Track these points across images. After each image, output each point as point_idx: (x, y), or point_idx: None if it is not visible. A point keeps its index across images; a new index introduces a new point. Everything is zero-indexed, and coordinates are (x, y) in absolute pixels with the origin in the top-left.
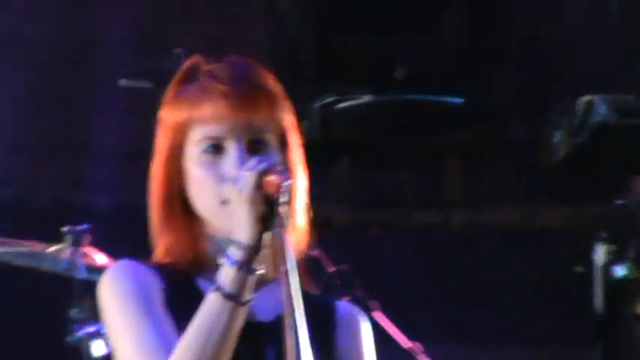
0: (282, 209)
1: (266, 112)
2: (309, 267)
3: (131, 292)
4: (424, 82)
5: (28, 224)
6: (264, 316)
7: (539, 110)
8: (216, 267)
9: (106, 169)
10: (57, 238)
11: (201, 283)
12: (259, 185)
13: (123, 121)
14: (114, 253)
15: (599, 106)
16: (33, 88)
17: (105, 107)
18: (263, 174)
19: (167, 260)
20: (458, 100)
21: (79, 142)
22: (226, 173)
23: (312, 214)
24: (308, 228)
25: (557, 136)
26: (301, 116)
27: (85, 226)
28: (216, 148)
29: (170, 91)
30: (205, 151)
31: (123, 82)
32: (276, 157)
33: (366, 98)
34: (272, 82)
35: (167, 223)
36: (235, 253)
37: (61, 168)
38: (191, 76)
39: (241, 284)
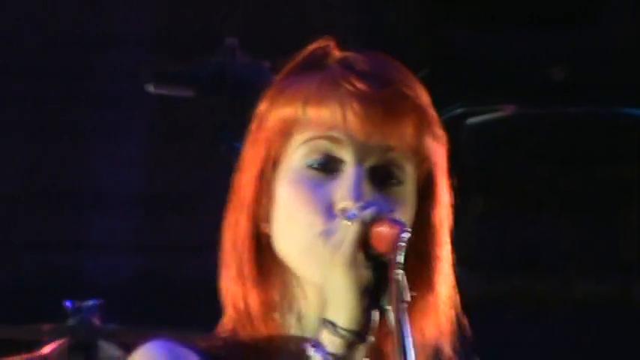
0: (398, 275)
1: (412, 133)
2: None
3: None
4: (593, 88)
5: (14, 302)
6: None
7: None
8: (295, 356)
9: (121, 222)
10: (53, 319)
11: None
12: (365, 240)
13: (143, 150)
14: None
15: None
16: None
17: (118, 131)
18: (370, 224)
19: (228, 338)
20: None
21: (80, 187)
22: (332, 202)
23: (453, 285)
24: (448, 304)
25: None
26: None
27: (94, 302)
28: (326, 163)
29: (279, 79)
30: (311, 165)
31: (150, 87)
32: (404, 201)
33: (509, 110)
34: (426, 98)
35: (242, 272)
36: (330, 340)
37: (57, 222)
38: (316, 63)
39: None
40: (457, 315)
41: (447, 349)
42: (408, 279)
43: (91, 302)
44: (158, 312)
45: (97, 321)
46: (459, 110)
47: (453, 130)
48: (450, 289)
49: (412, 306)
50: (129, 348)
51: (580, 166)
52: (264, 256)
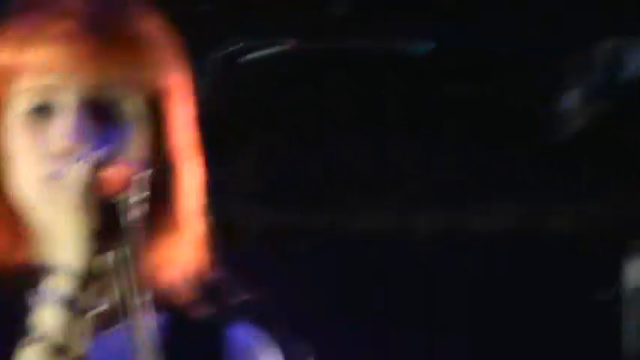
0: (130, 217)
1: (128, 63)
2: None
3: None
4: (372, 22)
5: None
6: None
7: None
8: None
9: None
10: None
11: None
12: (93, 184)
13: None
14: None
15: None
16: None
17: None
18: (99, 165)
19: None
20: (422, 49)
21: None
22: (52, 146)
23: (209, 219)
24: (203, 241)
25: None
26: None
27: None
28: (43, 109)
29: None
30: (30, 112)
31: None
32: (132, 132)
33: (288, 45)
34: (147, 24)
35: None
36: (59, 285)
37: None
38: (30, 4)
39: (69, 331)
40: (206, 252)
41: (190, 289)
42: (150, 219)
43: None
44: None
45: None
46: (236, 46)
47: (230, 65)
48: (197, 226)
49: (154, 246)
50: None
51: (362, 99)
52: (4, 201)
